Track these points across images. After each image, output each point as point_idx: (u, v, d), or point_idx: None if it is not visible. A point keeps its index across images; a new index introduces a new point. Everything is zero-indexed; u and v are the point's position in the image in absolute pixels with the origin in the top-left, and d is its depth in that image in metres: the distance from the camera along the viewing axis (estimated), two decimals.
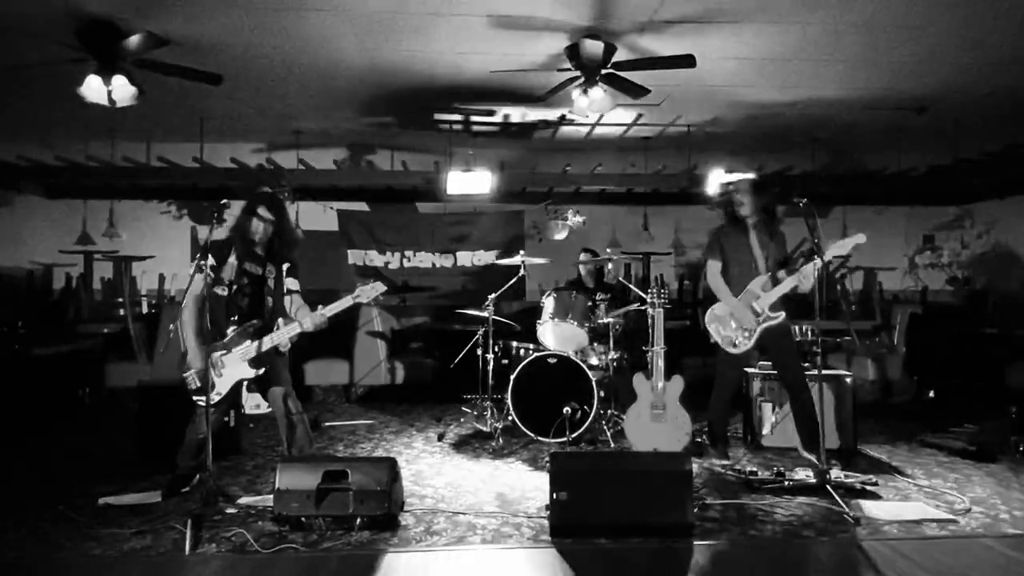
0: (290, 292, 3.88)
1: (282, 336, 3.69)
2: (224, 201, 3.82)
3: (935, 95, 6.12)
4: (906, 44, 5.01)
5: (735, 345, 4.34)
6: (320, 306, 3.73)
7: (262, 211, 3.72)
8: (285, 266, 3.87)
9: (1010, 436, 4.79)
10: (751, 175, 4.56)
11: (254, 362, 3.66)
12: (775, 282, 4.27)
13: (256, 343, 3.65)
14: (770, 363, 4.64)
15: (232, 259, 3.71)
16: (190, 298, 3.65)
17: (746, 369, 5.13)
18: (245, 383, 3.82)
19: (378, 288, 3.74)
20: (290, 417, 3.78)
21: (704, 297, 8.71)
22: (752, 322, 4.27)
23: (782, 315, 4.24)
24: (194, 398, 3.66)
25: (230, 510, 3.47)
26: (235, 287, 3.69)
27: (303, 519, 3.22)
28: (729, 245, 4.43)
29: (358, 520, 3.21)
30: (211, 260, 3.66)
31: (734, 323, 4.34)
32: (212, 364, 3.61)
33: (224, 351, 3.65)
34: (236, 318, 3.69)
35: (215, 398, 3.62)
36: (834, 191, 8.21)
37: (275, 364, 3.77)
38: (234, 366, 3.66)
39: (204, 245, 3.65)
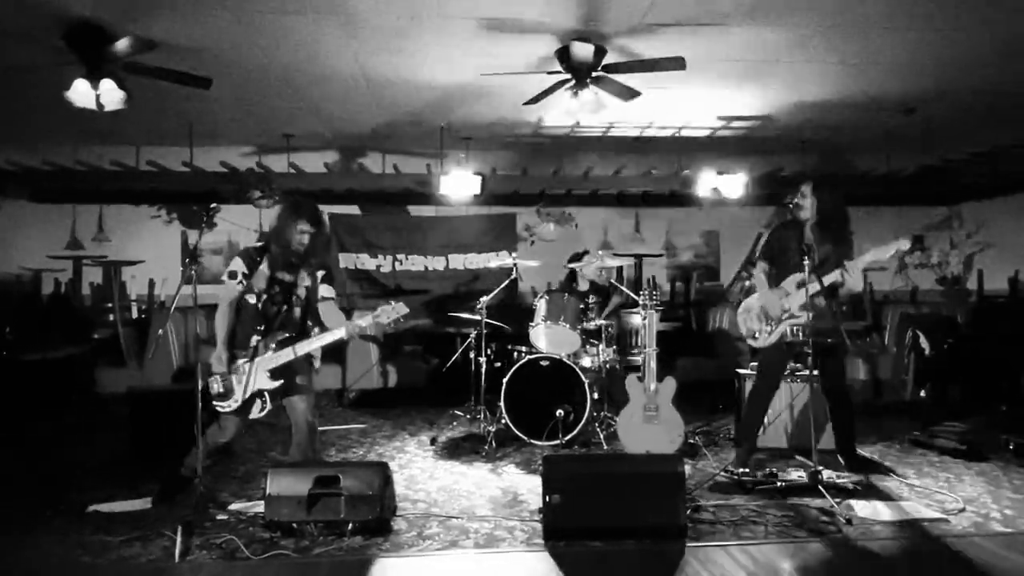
0: (324, 299, 3.75)
1: (314, 344, 3.62)
2: (213, 205, 3.80)
3: (923, 96, 6.17)
4: (893, 46, 5.05)
5: (755, 338, 4.31)
6: (356, 313, 3.68)
7: (303, 225, 3.62)
8: (320, 273, 3.76)
9: (1000, 434, 4.83)
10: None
11: (275, 373, 3.57)
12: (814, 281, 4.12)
13: (284, 352, 3.57)
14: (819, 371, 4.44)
15: (264, 267, 3.63)
16: (224, 303, 3.59)
17: (737, 371, 5.15)
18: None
19: (400, 310, 3.63)
20: (310, 425, 3.71)
21: (697, 299, 8.75)
22: (776, 316, 4.18)
23: (805, 316, 4.04)
24: (214, 404, 3.58)
25: (221, 516, 3.45)
26: (265, 296, 3.62)
27: (294, 525, 3.20)
28: (780, 246, 4.36)
29: (350, 525, 3.19)
30: (243, 267, 3.59)
31: (758, 315, 4.29)
32: (235, 371, 3.55)
33: (247, 360, 3.54)
34: (263, 327, 3.59)
35: (232, 405, 3.54)
36: None
37: (300, 373, 3.69)
38: (256, 376, 3.56)
39: (193, 249, 3.62)
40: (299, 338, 3.62)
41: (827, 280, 3.99)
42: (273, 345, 3.57)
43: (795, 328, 4.16)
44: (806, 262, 3.97)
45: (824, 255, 4.15)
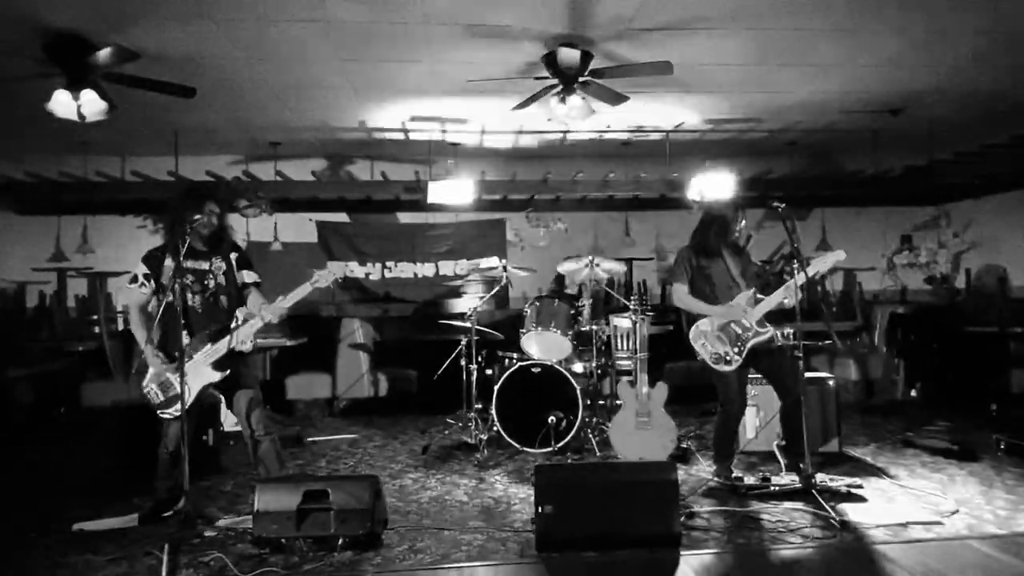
0: (247, 285, 3.75)
1: (245, 333, 3.58)
2: (198, 217, 3.73)
3: (909, 97, 6.19)
4: (879, 47, 5.06)
5: (727, 362, 4.01)
6: (281, 296, 3.63)
7: (211, 205, 3.62)
8: (234, 256, 3.75)
9: (991, 434, 4.84)
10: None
11: (218, 365, 3.55)
12: (761, 294, 4.10)
13: (218, 344, 3.55)
14: (763, 375, 4.40)
15: (168, 261, 3.58)
16: (134, 310, 3.62)
17: None
18: (221, 397, 3.75)
19: (335, 272, 3.69)
20: (253, 433, 3.66)
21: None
22: (742, 337, 4.02)
23: (770, 330, 4.03)
24: (158, 412, 3.57)
25: (209, 533, 3.39)
26: (179, 288, 3.51)
27: (283, 541, 3.15)
28: (701, 266, 4.21)
29: (340, 540, 3.15)
30: (144, 269, 3.59)
31: (722, 338, 4.06)
32: (171, 373, 3.48)
33: (185, 357, 3.46)
34: (188, 322, 3.54)
35: (177, 411, 3.45)
36: (813, 194, 8.27)
37: (239, 368, 3.65)
38: (197, 372, 3.52)
39: (176, 263, 3.53)
40: (231, 327, 3.59)
41: (774, 300, 4.00)
42: (209, 338, 3.55)
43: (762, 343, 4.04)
44: (737, 277, 4.09)
45: (748, 267, 4.26)
